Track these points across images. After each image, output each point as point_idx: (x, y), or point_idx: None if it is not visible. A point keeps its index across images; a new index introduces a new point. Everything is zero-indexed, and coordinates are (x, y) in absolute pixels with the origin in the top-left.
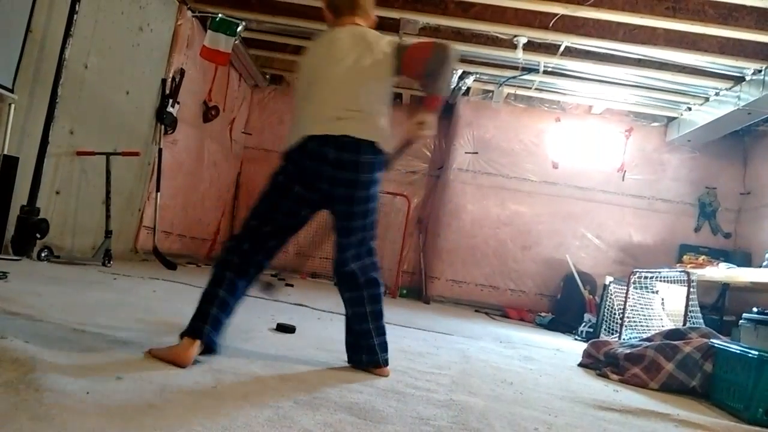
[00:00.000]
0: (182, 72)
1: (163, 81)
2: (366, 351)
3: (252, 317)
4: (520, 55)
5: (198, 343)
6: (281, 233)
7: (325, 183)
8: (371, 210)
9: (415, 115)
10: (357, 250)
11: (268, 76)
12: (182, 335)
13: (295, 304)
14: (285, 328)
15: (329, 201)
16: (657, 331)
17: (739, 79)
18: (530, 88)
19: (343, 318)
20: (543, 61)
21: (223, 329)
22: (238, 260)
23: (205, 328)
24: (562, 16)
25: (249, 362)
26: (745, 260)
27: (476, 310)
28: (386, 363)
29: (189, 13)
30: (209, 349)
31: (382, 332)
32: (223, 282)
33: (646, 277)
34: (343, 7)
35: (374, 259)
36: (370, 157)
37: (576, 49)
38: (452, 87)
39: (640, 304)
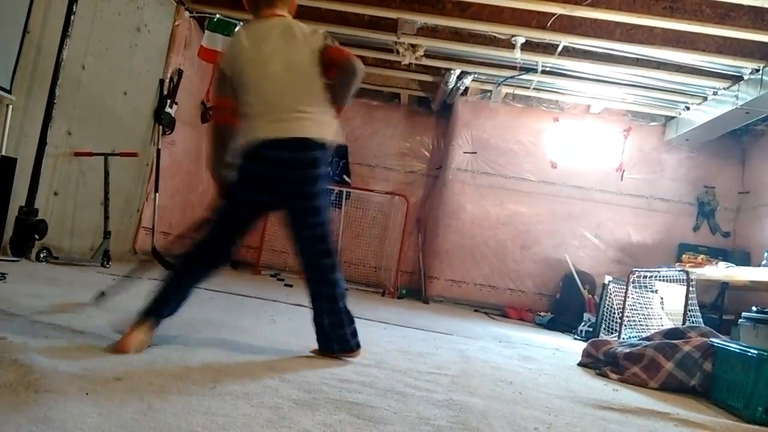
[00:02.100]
0: (180, 72)
1: (161, 81)
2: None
3: (251, 318)
4: (518, 55)
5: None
6: (235, 235)
7: (280, 183)
8: (324, 206)
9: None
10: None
11: None
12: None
13: (294, 304)
14: None
15: (284, 201)
16: (656, 331)
17: (737, 79)
18: (528, 88)
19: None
20: (541, 60)
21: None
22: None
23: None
24: (560, 15)
25: (248, 363)
26: (744, 259)
27: (475, 310)
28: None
29: (186, 14)
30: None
31: (337, 326)
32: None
33: (645, 277)
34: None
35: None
36: (317, 153)
37: (574, 48)
38: (450, 87)
39: (639, 303)
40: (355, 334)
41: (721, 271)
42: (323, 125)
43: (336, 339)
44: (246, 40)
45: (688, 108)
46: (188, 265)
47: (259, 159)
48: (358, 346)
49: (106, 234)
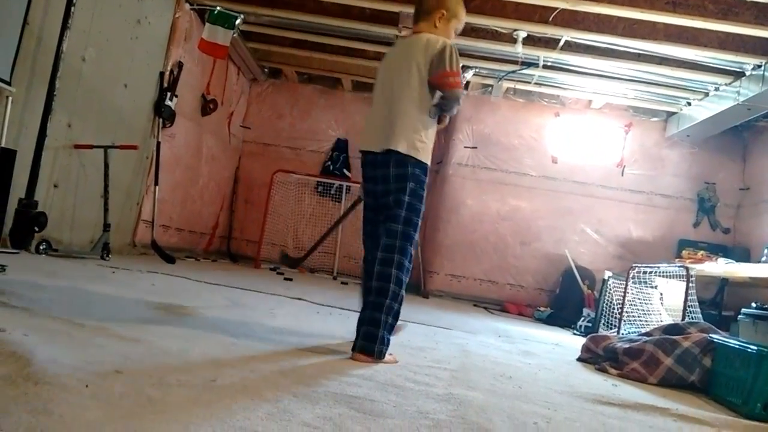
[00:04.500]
0: (180, 65)
1: (161, 74)
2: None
3: (250, 311)
4: (519, 50)
5: None
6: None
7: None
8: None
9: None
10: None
11: (266, 70)
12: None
13: (295, 298)
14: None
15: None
16: (656, 326)
17: (738, 75)
18: (530, 83)
19: (342, 312)
20: (542, 55)
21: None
22: None
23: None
24: (562, 10)
25: (248, 356)
26: (744, 255)
27: (475, 305)
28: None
29: (187, 6)
30: None
31: (371, 324)
32: None
33: (645, 272)
34: (415, 16)
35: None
36: (399, 169)
37: (576, 43)
38: None
39: (638, 299)
40: (385, 342)
41: (720, 267)
42: (410, 139)
43: (364, 335)
44: (384, 58)
45: (689, 104)
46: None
47: (364, 166)
48: (380, 355)
49: (106, 227)
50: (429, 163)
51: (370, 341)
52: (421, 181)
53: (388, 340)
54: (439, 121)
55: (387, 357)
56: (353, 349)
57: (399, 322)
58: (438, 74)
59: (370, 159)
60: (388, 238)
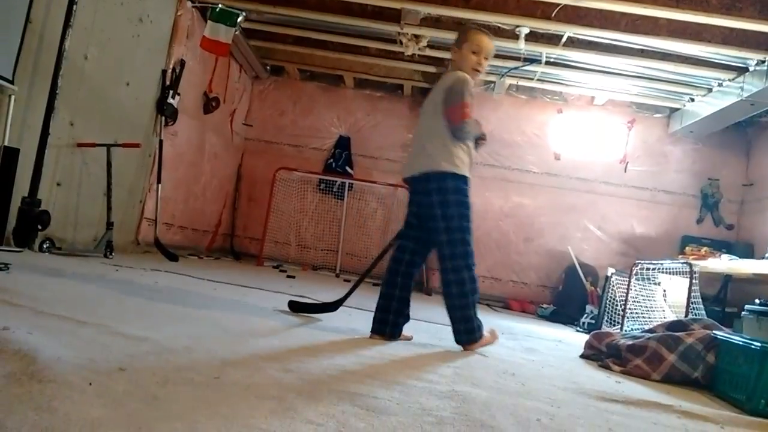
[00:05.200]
0: (182, 63)
1: (164, 72)
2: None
3: (253, 308)
4: (522, 46)
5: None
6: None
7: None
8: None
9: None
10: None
11: (268, 68)
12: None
13: (296, 295)
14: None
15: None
16: (659, 323)
17: (742, 70)
18: (532, 79)
19: (344, 309)
20: (545, 51)
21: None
22: None
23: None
24: (565, 6)
25: (252, 353)
26: (748, 252)
27: (478, 302)
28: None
29: (189, 4)
30: None
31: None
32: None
33: (648, 269)
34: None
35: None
36: (437, 183)
37: (578, 39)
38: None
39: (642, 295)
40: (480, 327)
41: (724, 263)
42: (436, 161)
43: (465, 330)
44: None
45: (692, 99)
46: None
47: (409, 191)
48: (481, 337)
49: (109, 225)
50: (467, 175)
51: (471, 333)
52: (461, 189)
53: (480, 324)
54: (476, 145)
55: (485, 336)
56: (458, 343)
57: (406, 332)
58: (445, 111)
59: (412, 184)
60: (450, 247)
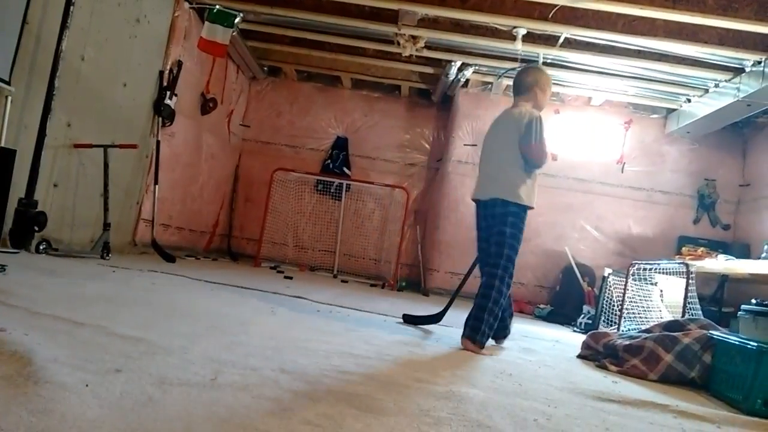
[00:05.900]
0: (180, 64)
1: (161, 73)
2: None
3: (250, 309)
4: (519, 47)
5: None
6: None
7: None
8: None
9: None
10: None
11: (265, 68)
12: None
13: (294, 296)
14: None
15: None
16: (656, 323)
17: (738, 71)
18: None
19: (342, 310)
20: (542, 52)
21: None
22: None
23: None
24: (562, 7)
25: (248, 354)
26: (744, 252)
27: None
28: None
29: (186, 5)
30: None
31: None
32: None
33: (645, 269)
34: (514, 90)
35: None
36: (502, 208)
37: (575, 40)
38: (451, 79)
39: (638, 295)
40: (485, 335)
41: (720, 263)
42: (504, 187)
43: (471, 327)
44: (493, 123)
45: (689, 100)
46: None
47: (477, 210)
48: (481, 345)
49: (106, 226)
50: (529, 204)
51: (474, 332)
52: (520, 216)
53: (488, 335)
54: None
55: (484, 347)
56: (462, 336)
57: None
58: (524, 146)
59: (481, 205)
60: (495, 258)
